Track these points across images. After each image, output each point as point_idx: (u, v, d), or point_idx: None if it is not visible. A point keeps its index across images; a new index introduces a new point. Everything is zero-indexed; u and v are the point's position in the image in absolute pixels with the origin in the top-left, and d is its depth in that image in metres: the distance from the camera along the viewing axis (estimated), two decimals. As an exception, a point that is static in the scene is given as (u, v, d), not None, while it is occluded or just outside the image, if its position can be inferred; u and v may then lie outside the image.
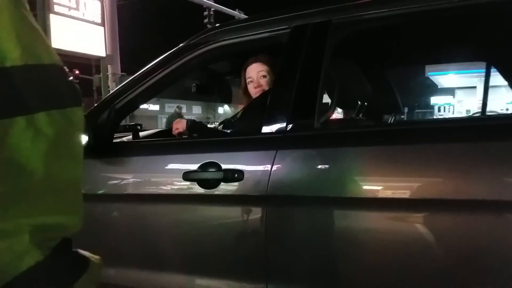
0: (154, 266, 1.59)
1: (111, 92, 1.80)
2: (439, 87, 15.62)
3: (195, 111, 30.56)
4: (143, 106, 26.44)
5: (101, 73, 10.37)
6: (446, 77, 13.55)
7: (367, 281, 1.25)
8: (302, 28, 1.46)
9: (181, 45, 1.68)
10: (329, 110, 1.58)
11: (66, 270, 0.43)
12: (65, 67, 0.46)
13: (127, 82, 1.76)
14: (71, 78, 0.47)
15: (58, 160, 0.42)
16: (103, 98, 1.79)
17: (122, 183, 1.63)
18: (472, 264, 1.12)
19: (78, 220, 0.45)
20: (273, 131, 1.41)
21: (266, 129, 1.43)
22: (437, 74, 12.89)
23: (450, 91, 17.70)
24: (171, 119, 9.42)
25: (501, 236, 1.08)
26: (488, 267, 1.10)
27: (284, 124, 1.39)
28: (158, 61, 1.69)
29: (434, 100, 20.24)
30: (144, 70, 1.71)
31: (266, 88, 1.82)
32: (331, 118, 1.73)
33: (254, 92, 1.87)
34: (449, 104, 19.12)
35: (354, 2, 1.43)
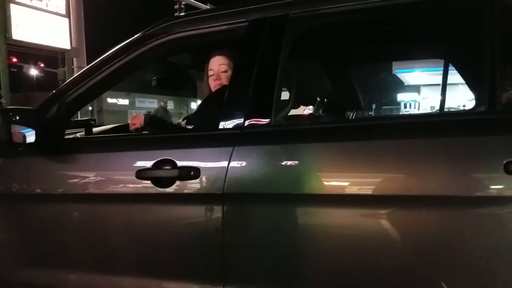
0: (106, 268, 1.53)
1: (61, 85, 1.70)
2: (405, 84, 16.01)
3: (168, 106, 30.06)
4: (112, 100, 25.96)
5: (66, 66, 9.98)
6: (412, 75, 13.86)
7: (326, 280, 1.24)
8: (260, 22, 1.42)
9: (136, 36, 1.60)
10: (287, 106, 1.55)
11: None
12: None
13: (78, 74, 1.67)
14: None
15: None
16: (52, 92, 1.69)
17: (72, 182, 1.54)
18: (429, 259, 1.13)
19: None
20: (230, 127, 1.37)
21: (223, 125, 1.38)
22: (403, 72, 13.17)
23: (416, 88, 18.18)
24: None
25: (460, 231, 1.10)
26: (447, 263, 1.11)
27: (241, 120, 1.36)
28: (111, 53, 1.60)
29: (401, 97, 20.76)
30: (97, 62, 1.62)
31: (225, 83, 1.78)
32: (291, 114, 1.71)
33: (213, 85, 1.83)
34: (415, 101, 19.64)
35: None
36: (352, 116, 2.19)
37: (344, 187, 1.22)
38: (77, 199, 1.54)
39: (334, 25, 1.56)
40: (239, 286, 1.34)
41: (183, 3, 14.17)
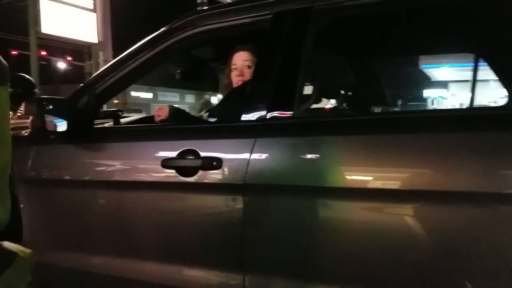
0: (130, 253, 1.58)
1: (90, 77, 1.76)
2: (432, 80, 15.60)
3: (188, 100, 30.39)
4: (135, 94, 26.33)
5: (93, 60, 10.23)
6: (440, 70, 13.49)
7: (348, 272, 1.24)
8: (284, 14, 1.43)
9: (162, 29, 1.64)
10: (311, 98, 1.56)
11: None
12: None
13: (107, 66, 1.73)
14: None
15: None
16: (82, 83, 1.76)
17: (100, 169, 1.60)
18: (459, 257, 1.11)
19: (4, 213, 0.42)
20: (252, 119, 1.39)
21: (245, 117, 1.40)
22: (431, 67, 12.83)
23: (444, 84, 17.68)
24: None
25: (489, 228, 1.07)
26: (476, 260, 1.09)
27: (263, 112, 1.37)
28: (138, 46, 1.65)
29: (428, 93, 20.22)
30: (125, 55, 1.67)
31: (248, 78, 1.79)
32: (314, 107, 1.71)
33: (235, 80, 1.84)
34: (442, 98, 19.10)
35: None
36: (376, 110, 2.17)
37: (366, 181, 1.21)
38: (104, 185, 1.59)
39: (359, 17, 1.53)
40: (259, 277, 1.35)
41: (205, 1, 14.21)
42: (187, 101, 30.00)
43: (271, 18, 1.44)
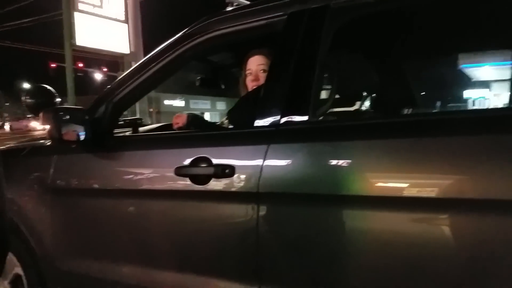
0: (147, 261, 1.57)
1: (108, 86, 1.77)
2: (473, 80, 14.92)
3: (219, 107, 30.74)
4: (168, 102, 26.97)
5: (125, 70, 10.55)
6: (481, 69, 12.89)
7: (365, 284, 1.17)
8: (299, 15, 1.37)
9: (176, 36, 1.62)
10: (327, 102, 1.48)
11: None
12: None
13: (124, 75, 1.73)
14: None
15: None
16: (100, 93, 1.77)
17: (117, 178, 1.60)
18: (490, 269, 1.00)
19: None
20: (265, 124, 1.33)
21: (258, 122, 1.35)
22: (471, 66, 12.27)
23: (485, 84, 16.89)
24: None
25: None
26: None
27: (277, 117, 1.31)
28: (154, 54, 1.64)
29: (468, 93, 19.39)
30: (141, 63, 1.67)
31: (263, 82, 1.74)
32: (334, 111, 1.64)
33: (250, 85, 1.80)
34: (484, 98, 18.28)
35: None
36: (401, 113, 2.04)
37: (387, 188, 1.12)
38: (122, 194, 1.59)
39: (382, 14, 1.42)
40: (275, 286, 1.30)
41: (235, 4, 14.36)
42: (218, 108, 30.40)
43: (285, 19, 1.39)
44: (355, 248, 1.18)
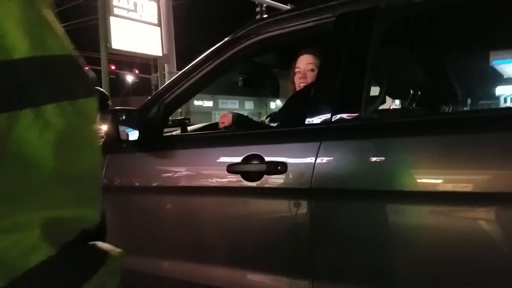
0: (198, 257, 1.62)
1: (160, 88, 1.85)
2: (505, 76, 14.36)
3: (248, 106, 30.90)
4: (198, 103, 27.36)
5: (158, 72, 10.78)
6: (513, 66, 12.40)
7: (420, 279, 1.18)
8: (348, 16, 1.40)
9: (225, 39, 1.68)
10: (378, 99, 1.51)
11: (80, 265, 0.42)
12: (78, 58, 0.46)
13: (175, 78, 1.80)
14: (86, 68, 0.47)
15: (69, 152, 0.41)
16: (152, 94, 1.86)
17: (169, 175, 1.67)
18: None
19: (94, 213, 0.44)
20: (317, 122, 1.37)
21: (309, 120, 1.39)
22: (503, 63, 11.82)
23: (523, 80, 16.21)
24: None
25: None
26: None
27: (328, 115, 1.35)
28: (203, 56, 1.71)
29: (500, 90, 18.70)
30: (191, 66, 1.74)
31: (311, 81, 1.78)
32: (381, 108, 1.65)
33: (298, 83, 1.84)
34: (520, 95, 17.56)
35: None
36: (449, 110, 2.04)
37: (438, 184, 1.14)
38: (172, 191, 1.66)
39: (425, 13, 1.47)
40: (328, 282, 1.33)
41: (264, 6, 14.42)
42: (246, 108, 30.57)
43: (334, 20, 1.42)
44: (409, 244, 1.20)
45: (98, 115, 1.67)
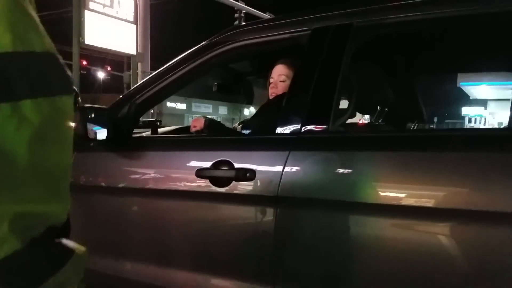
0: (162, 260, 1.60)
1: (132, 88, 1.83)
2: (471, 97, 15.12)
3: (221, 111, 30.86)
4: (171, 104, 27.06)
5: (131, 70, 10.59)
6: (478, 88, 13.09)
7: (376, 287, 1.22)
8: (323, 30, 1.44)
9: (202, 43, 1.69)
10: (346, 113, 1.56)
11: (45, 260, 0.42)
12: (58, 55, 0.46)
13: (148, 78, 1.79)
14: (64, 66, 0.47)
15: (43, 148, 0.41)
16: (124, 93, 1.83)
17: (137, 177, 1.65)
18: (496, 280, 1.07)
19: (63, 209, 0.45)
20: (287, 132, 1.40)
21: (280, 129, 1.42)
22: (469, 85, 12.47)
23: (482, 102, 17.11)
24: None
25: None
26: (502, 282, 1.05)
27: (298, 126, 1.38)
28: (178, 59, 1.71)
29: (465, 111, 19.64)
30: (165, 67, 1.73)
31: (280, 92, 1.81)
32: (348, 122, 1.71)
33: (270, 92, 1.88)
34: (481, 116, 18.52)
35: (377, 5, 1.40)
36: (413, 127, 2.13)
37: (400, 198, 1.19)
38: (140, 193, 1.64)
39: (398, 34, 1.54)
40: None
41: (243, 12, 14.51)
42: (220, 112, 30.52)
43: (309, 34, 1.46)
44: (370, 254, 1.24)
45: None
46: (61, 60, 0.47)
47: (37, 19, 0.45)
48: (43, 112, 0.41)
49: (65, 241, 0.46)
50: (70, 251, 0.45)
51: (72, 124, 0.47)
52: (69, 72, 0.47)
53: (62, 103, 0.44)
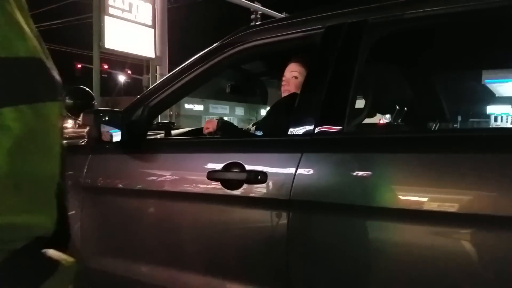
0: (175, 262, 1.60)
1: (145, 91, 1.83)
2: (496, 95, 14.65)
3: (238, 112, 30.93)
4: (188, 106, 27.32)
5: (150, 74, 10.71)
6: (504, 85, 12.68)
7: None
8: (337, 28, 1.40)
9: (214, 45, 1.67)
10: (362, 114, 1.50)
11: (28, 273, 0.40)
12: (45, 60, 0.44)
13: (161, 81, 1.79)
14: (51, 71, 0.45)
15: (26, 157, 0.40)
16: (138, 96, 1.83)
17: (151, 179, 1.65)
18: None
19: (48, 220, 0.43)
20: (300, 133, 1.36)
21: (292, 131, 1.38)
22: (494, 82, 12.08)
23: (509, 100, 16.57)
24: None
25: None
26: None
27: (311, 127, 1.34)
28: (191, 61, 1.69)
29: (491, 109, 19.08)
30: (178, 70, 1.72)
31: (293, 90, 1.77)
32: (366, 122, 1.65)
33: (282, 90, 1.84)
34: (507, 114, 17.95)
35: (393, 0, 1.35)
36: (435, 127, 2.05)
37: (420, 202, 1.13)
38: (153, 195, 1.63)
39: (416, 30, 1.48)
40: None
41: (259, 13, 14.50)
42: (236, 113, 30.62)
43: (323, 32, 1.42)
44: (386, 261, 1.18)
45: (82, 115, 1.63)
46: (49, 65, 0.45)
47: (26, 20, 0.43)
48: (25, 119, 0.39)
49: (51, 253, 0.44)
50: (55, 263, 0.43)
51: (59, 131, 0.45)
52: (57, 77, 0.45)
53: (47, 110, 0.42)
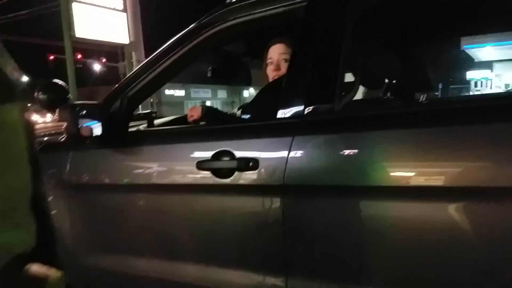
0: (168, 255, 1.56)
1: (122, 80, 1.74)
2: (475, 60, 14.81)
3: (220, 95, 30.66)
4: (169, 92, 26.96)
5: (126, 60, 10.43)
6: (483, 50, 12.79)
7: (392, 275, 1.16)
8: (320, 1, 1.33)
9: (190, 26, 1.58)
10: (352, 91, 1.45)
11: None
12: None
13: (138, 69, 1.69)
14: (10, 72, 0.38)
15: None
16: (114, 87, 1.74)
17: (136, 173, 1.58)
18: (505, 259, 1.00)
19: (26, 235, 0.37)
20: (289, 116, 1.30)
21: (281, 114, 1.32)
22: (473, 47, 12.17)
23: (488, 64, 16.80)
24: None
25: None
26: None
27: (300, 108, 1.29)
28: (167, 46, 1.60)
29: (470, 74, 19.34)
30: (153, 56, 1.63)
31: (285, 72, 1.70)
32: (356, 99, 1.60)
33: (271, 75, 1.75)
34: (486, 79, 18.23)
35: None
36: (423, 98, 2.03)
37: (415, 178, 1.09)
38: (140, 189, 1.58)
39: (398, 1, 1.43)
40: (301, 279, 1.29)
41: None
42: (219, 97, 30.36)
43: (305, 5, 1.35)
44: (383, 240, 1.16)
45: (57, 111, 1.53)
46: (8, 67, 0.38)
47: None
48: None
49: (36, 268, 0.39)
50: (41, 280, 0.38)
51: (23, 138, 0.38)
52: (15, 78, 0.38)
53: (5, 114, 0.35)
